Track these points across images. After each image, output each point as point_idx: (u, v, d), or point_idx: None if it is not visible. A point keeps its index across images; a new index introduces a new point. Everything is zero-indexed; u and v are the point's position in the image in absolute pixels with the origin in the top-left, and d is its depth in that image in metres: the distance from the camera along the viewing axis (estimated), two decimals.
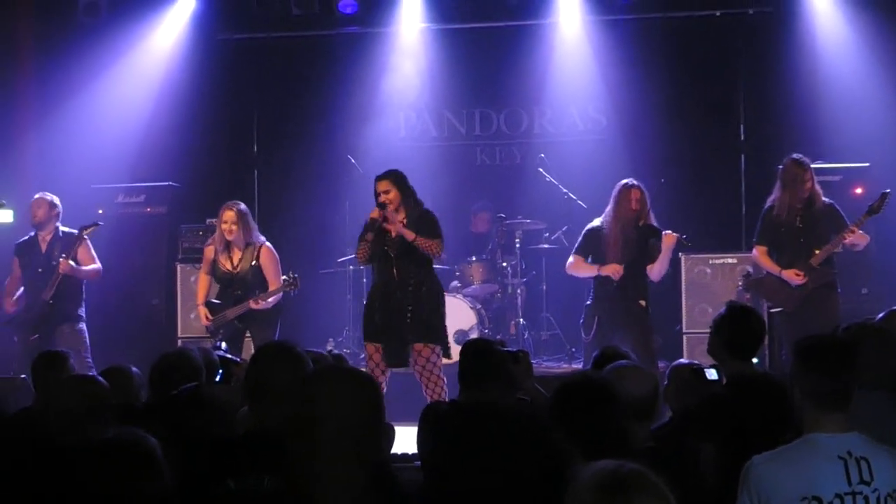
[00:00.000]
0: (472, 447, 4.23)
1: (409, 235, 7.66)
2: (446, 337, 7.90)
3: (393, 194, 7.73)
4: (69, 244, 9.13)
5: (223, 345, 5.31)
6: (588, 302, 8.80)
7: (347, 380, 2.88)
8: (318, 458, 2.76)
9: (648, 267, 8.64)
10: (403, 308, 7.68)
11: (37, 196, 9.27)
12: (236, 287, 8.68)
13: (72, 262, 9.02)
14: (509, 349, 5.18)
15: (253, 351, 8.62)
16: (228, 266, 8.69)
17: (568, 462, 4.47)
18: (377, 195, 7.79)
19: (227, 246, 8.68)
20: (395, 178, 7.81)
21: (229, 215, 8.64)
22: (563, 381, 3.98)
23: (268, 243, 8.80)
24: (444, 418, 4.60)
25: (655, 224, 8.71)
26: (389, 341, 7.70)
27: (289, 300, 9.17)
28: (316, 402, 2.80)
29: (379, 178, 7.84)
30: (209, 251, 8.85)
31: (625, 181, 8.70)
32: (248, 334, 8.90)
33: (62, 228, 9.24)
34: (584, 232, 8.85)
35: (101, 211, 10.64)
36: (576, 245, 8.90)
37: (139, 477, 3.05)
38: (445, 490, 3.77)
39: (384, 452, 2.94)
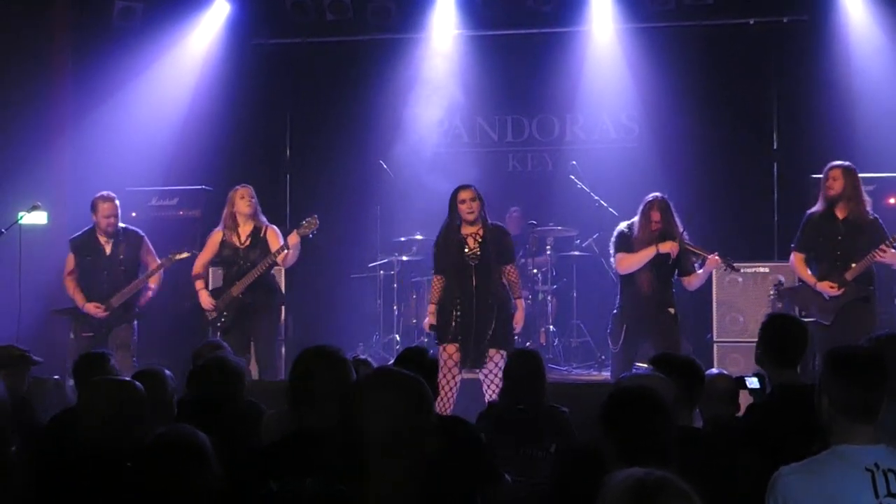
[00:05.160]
0: None
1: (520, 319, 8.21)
2: (514, 343, 8.24)
3: (477, 204, 8.01)
4: (135, 244, 9.22)
5: None
6: (615, 311, 8.75)
7: (396, 384, 2.92)
8: (367, 461, 2.80)
9: (685, 280, 8.60)
10: (484, 315, 7.98)
11: (107, 198, 9.14)
12: (243, 260, 8.86)
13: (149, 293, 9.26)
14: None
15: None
16: (237, 242, 8.90)
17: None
18: (458, 201, 7.99)
19: (235, 226, 8.91)
20: (479, 193, 8.06)
21: (247, 191, 8.94)
22: (615, 388, 3.99)
23: (273, 226, 9.06)
24: None
25: (689, 242, 8.59)
26: (467, 343, 7.99)
27: (311, 304, 9.29)
28: (365, 406, 2.85)
29: (464, 188, 8.06)
30: (216, 236, 9.00)
31: (650, 197, 8.55)
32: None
33: (121, 225, 9.27)
34: (618, 233, 8.67)
35: (134, 214, 10.71)
36: (615, 245, 8.78)
37: (193, 470, 3.14)
38: None
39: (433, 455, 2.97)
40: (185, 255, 9.18)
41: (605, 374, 9.89)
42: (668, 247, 8.39)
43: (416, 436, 2.85)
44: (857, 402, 3.44)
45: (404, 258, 11.00)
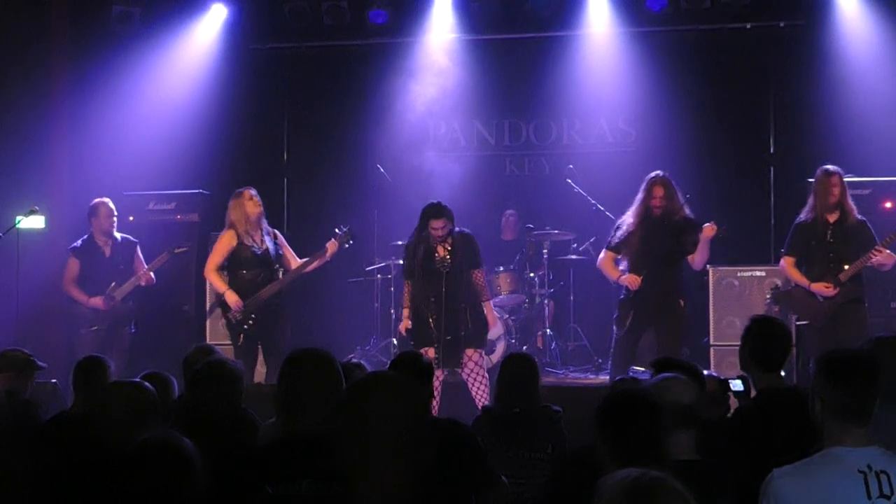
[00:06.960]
0: None
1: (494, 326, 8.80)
2: (487, 343, 8.82)
3: (447, 229, 8.30)
4: (130, 249, 9.66)
5: None
6: (621, 297, 8.79)
7: (394, 387, 2.94)
8: (366, 464, 2.80)
9: (690, 258, 8.66)
10: (459, 319, 8.35)
11: (107, 202, 9.60)
12: (270, 265, 9.01)
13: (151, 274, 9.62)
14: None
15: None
16: (256, 245, 8.94)
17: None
18: (431, 227, 8.28)
19: (250, 228, 8.94)
20: (451, 216, 8.32)
21: (254, 193, 8.99)
22: (608, 391, 4.00)
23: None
24: None
25: (691, 216, 8.70)
26: (445, 346, 8.28)
27: (308, 308, 9.42)
28: (364, 408, 2.85)
29: (436, 217, 8.26)
30: (229, 238, 8.94)
31: (652, 174, 8.78)
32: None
33: (117, 234, 9.66)
34: (615, 227, 8.86)
35: (131, 218, 10.72)
36: (608, 240, 8.90)
37: (177, 478, 3.12)
38: None
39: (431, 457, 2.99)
40: (184, 249, 9.73)
41: (603, 378, 9.88)
42: (627, 280, 8.63)
43: (414, 438, 2.86)
44: (850, 405, 3.45)
45: (401, 262, 10.98)
